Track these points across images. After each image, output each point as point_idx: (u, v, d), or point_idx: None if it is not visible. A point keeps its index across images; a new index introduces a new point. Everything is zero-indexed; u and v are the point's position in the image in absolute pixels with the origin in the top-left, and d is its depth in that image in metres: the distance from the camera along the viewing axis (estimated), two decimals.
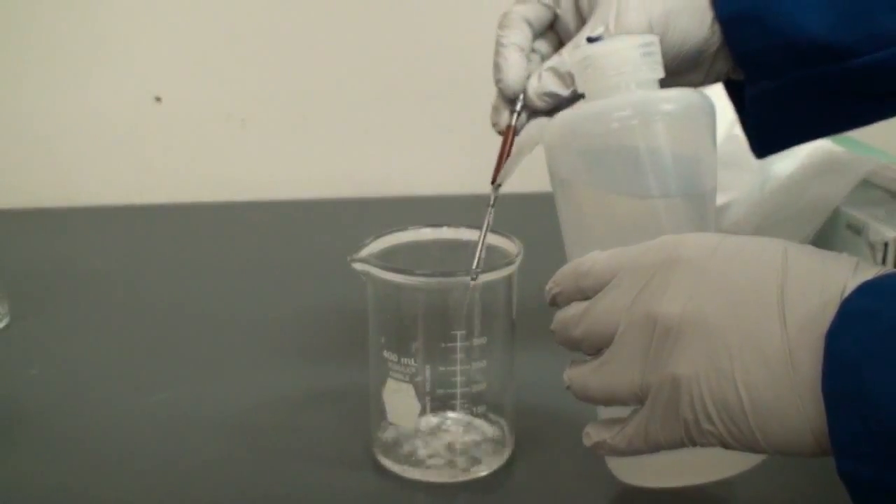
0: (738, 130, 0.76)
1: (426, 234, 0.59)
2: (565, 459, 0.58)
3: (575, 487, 0.56)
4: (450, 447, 0.56)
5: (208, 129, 1.09)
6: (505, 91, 0.57)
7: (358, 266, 0.54)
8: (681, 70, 0.58)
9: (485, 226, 0.56)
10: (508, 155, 0.57)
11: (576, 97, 0.55)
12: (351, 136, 1.11)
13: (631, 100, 0.49)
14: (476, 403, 0.55)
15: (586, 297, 0.45)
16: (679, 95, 0.50)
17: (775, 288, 0.41)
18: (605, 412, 0.48)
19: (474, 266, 0.54)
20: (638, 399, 0.43)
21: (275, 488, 0.55)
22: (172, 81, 1.07)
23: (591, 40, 0.53)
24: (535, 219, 1.01)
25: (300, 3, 1.07)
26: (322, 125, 1.11)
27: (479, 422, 0.56)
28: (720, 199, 0.75)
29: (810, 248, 0.43)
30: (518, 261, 0.55)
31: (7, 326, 0.75)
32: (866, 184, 0.73)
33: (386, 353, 0.55)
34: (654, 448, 0.44)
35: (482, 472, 0.56)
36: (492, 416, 0.57)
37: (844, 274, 0.40)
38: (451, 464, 0.55)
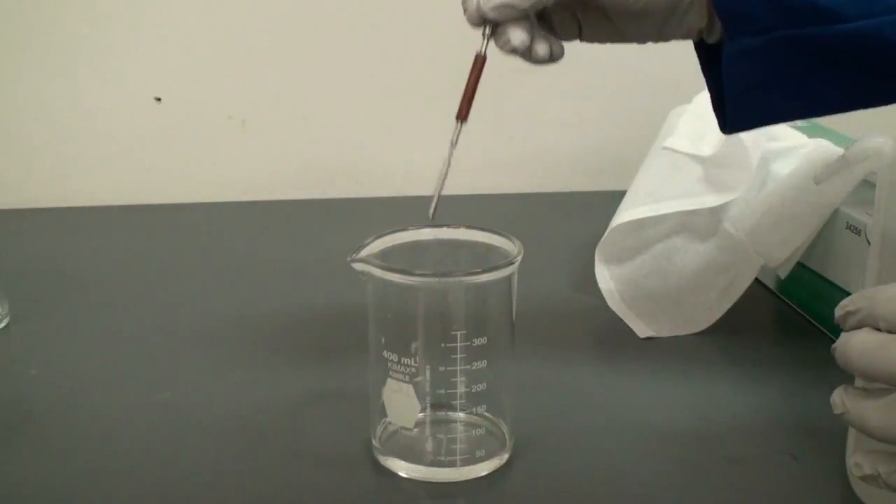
0: None
1: (426, 234, 0.59)
2: (564, 460, 0.58)
3: (574, 488, 0.56)
4: (449, 447, 0.56)
5: (208, 129, 1.09)
6: (469, 20, 0.57)
7: (358, 266, 0.54)
8: (653, 14, 0.57)
9: (447, 164, 0.55)
10: (476, 86, 0.57)
11: (536, 6, 0.55)
12: (351, 135, 1.11)
13: None
14: (476, 403, 0.55)
15: (877, 327, 0.43)
16: None
17: None
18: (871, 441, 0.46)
19: (431, 207, 0.55)
20: None
21: (274, 488, 0.55)
22: (172, 81, 1.07)
23: None
24: (535, 219, 1.01)
25: (300, 4, 1.07)
26: (322, 125, 1.11)
27: (478, 422, 0.56)
28: (720, 200, 0.75)
29: None
30: (518, 261, 0.55)
31: (7, 326, 0.75)
32: (866, 184, 0.73)
33: (386, 353, 0.55)
34: None
35: (482, 472, 0.56)
36: (492, 416, 0.57)
37: None
38: (450, 464, 0.55)
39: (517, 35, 0.57)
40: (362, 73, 1.09)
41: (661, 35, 0.60)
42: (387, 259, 0.56)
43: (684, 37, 0.60)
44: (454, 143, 0.56)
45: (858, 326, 0.44)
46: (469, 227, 0.58)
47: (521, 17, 0.56)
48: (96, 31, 1.04)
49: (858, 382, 0.46)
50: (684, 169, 0.78)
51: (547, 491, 0.55)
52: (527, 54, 0.58)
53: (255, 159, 1.11)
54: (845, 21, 0.54)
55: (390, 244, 0.57)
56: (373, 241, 0.56)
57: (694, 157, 0.78)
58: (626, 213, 0.77)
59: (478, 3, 0.56)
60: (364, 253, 0.55)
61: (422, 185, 1.11)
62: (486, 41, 0.57)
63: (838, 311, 0.45)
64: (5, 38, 1.04)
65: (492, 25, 0.57)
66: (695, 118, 0.82)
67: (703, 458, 0.58)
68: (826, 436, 0.57)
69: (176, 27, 1.06)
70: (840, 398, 0.44)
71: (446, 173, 0.55)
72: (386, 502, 0.55)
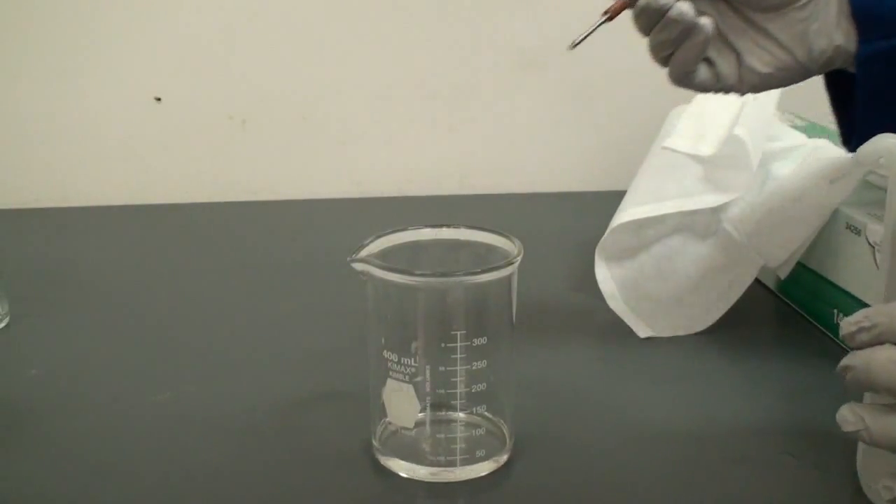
0: (739, 131, 0.76)
1: (426, 234, 0.59)
2: (564, 460, 0.58)
3: (574, 488, 0.56)
4: (449, 447, 0.56)
5: (208, 129, 1.09)
6: None
7: (358, 266, 0.54)
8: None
9: (598, 23, 0.60)
10: (611, 18, 0.61)
11: None
12: (351, 136, 1.11)
13: None
14: (476, 403, 0.55)
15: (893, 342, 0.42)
16: None
17: None
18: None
19: (577, 39, 0.60)
20: None
21: (274, 488, 0.55)
22: (172, 81, 1.07)
23: None
24: (535, 219, 1.01)
25: (300, 4, 1.07)
26: (322, 125, 1.11)
27: (478, 422, 0.56)
28: (720, 200, 0.75)
29: None
30: (518, 261, 0.55)
31: (7, 326, 0.75)
32: (866, 184, 0.73)
33: (386, 353, 0.55)
34: None
35: (482, 472, 0.56)
36: (492, 416, 0.57)
37: None
38: (450, 464, 0.55)
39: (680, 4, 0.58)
40: (362, 73, 1.09)
41: (809, 37, 0.59)
42: (387, 259, 0.56)
43: (826, 46, 0.59)
44: (602, 17, 0.61)
45: (873, 342, 0.42)
46: (469, 227, 0.58)
47: None
48: (96, 31, 1.05)
49: (867, 399, 0.44)
50: (684, 169, 0.78)
51: (547, 491, 0.55)
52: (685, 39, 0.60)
53: (255, 159, 1.11)
54: None
55: (390, 244, 0.57)
56: (373, 241, 0.56)
57: (694, 157, 0.78)
58: (626, 213, 0.77)
59: None
60: (364, 253, 0.55)
61: (422, 186, 1.12)
62: None
63: (849, 327, 0.43)
64: (5, 38, 1.04)
65: None
66: (695, 118, 0.82)
67: (703, 458, 0.58)
68: (826, 436, 0.57)
69: (176, 27, 1.06)
70: (854, 415, 0.43)
71: (597, 25, 0.60)
72: (386, 502, 0.55)
